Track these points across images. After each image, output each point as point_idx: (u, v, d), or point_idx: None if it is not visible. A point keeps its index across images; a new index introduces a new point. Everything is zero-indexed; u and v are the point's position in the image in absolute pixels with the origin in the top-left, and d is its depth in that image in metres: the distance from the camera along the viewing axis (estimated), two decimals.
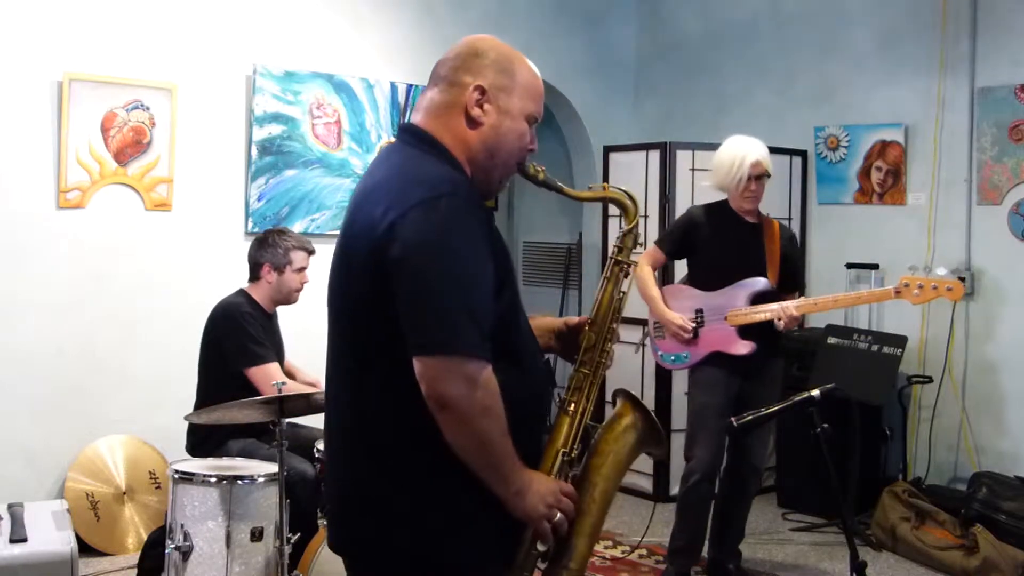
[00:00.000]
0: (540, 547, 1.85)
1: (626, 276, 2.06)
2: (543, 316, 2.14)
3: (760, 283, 4.01)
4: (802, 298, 4.04)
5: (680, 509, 4.10)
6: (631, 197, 2.08)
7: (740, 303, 4.00)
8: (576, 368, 1.99)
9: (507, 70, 1.89)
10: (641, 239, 2.21)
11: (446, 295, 1.70)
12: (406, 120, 2.02)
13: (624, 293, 2.05)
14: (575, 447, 1.93)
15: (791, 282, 4.13)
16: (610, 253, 2.08)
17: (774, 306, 3.93)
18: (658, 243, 4.21)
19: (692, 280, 4.20)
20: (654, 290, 4.14)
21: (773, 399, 4.11)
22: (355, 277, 1.82)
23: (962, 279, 5.17)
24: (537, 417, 1.95)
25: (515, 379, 1.81)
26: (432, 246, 1.71)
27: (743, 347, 3.98)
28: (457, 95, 1.88)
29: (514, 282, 1.89)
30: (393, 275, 1.72)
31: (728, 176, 4.02)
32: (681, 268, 4.58)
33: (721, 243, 4.07)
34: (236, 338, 3.83)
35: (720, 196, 4.16)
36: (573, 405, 1.96)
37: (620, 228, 2.09)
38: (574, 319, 2.10)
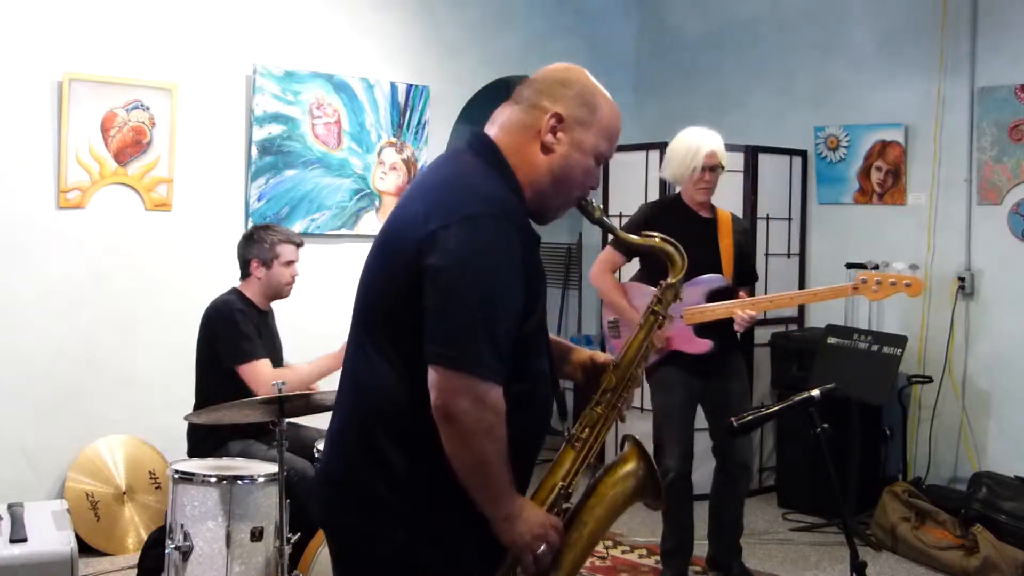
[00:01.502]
0: None
1: (660, 328, 2.07)
2: (574, 346, 2.16)
3: (716, 280, 3.95)
4: (757, 296, 3.99)
5: (664, 512, 4.05)
6: (680, 251, 2.10)
7: (696, 301, 3.92)
8: (591, 406, 2.00)
9: (589, 104, 1.91)
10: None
11: (472, 313, 1.72)
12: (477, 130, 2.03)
13: (653, 345, 2.06)
14: (573, 483, 1.94)
15: (745, 276, 4.09)
16: (649, 302, 2.09)
17: (730, 303, 3.90)
18: (614, 245, 4.10)
19: (645, 277, 4.07)
20: (622, 299, 4.03)
21: (743, 391, 4.12)
22: (387, 271, 1.84)
23: (962, 279, 5.20)
24: (535, 445, 1.97)
25: (523, 404, 1.82)
26: (469, 263, 1.72)
27: (700, 346, 3.93)
28: (535, 118, 1.89)
29: (543, 310, 1.91)
30: (425, 281, 1.74)
31: (682, 166, 3.97)
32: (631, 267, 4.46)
33: (675, 239, 4.01)
34: (227, 335, 3.82)
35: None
36: (580, 442, 1.96)
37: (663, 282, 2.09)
38: (601, 355, 2.11)
